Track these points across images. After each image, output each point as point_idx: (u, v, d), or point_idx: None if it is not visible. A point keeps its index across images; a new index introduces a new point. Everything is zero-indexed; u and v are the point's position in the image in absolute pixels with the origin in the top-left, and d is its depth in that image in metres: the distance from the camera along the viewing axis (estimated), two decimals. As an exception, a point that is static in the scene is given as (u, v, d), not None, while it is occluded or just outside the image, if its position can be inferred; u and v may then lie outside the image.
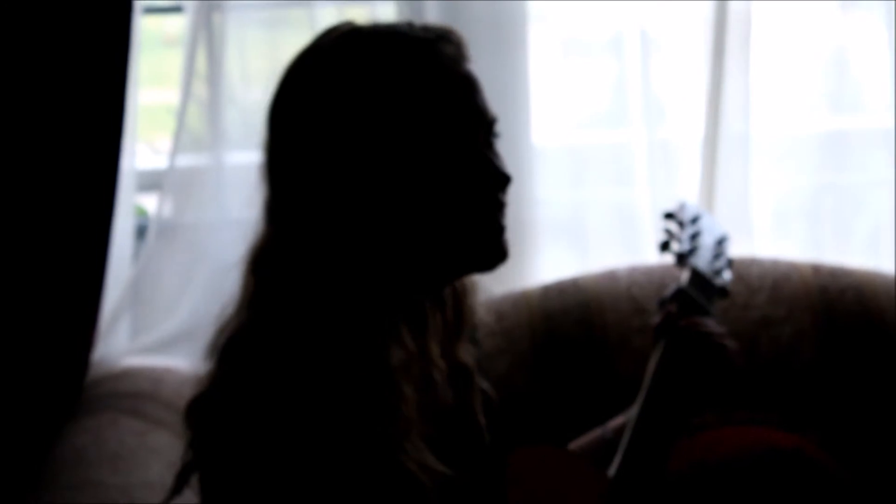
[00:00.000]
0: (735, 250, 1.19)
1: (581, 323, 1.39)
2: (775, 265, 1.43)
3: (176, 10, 1.47)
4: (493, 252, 0.78)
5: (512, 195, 0.79)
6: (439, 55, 0.77)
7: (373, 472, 0.75)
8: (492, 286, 1.24)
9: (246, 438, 0.74)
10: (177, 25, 1.50)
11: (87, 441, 1.22)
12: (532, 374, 1.36)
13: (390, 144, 0.75)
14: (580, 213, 1.57)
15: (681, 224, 1.12)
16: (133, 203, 1.44)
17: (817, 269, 1.42)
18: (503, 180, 0.76)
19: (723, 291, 1.06)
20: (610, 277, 1.40)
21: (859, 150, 1.57)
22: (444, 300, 0.85)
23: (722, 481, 1.29)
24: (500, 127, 0.78)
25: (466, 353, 0.88)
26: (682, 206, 1.15)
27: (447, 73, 0.77)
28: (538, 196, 1.52)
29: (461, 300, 0.87)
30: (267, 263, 0.76)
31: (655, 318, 1.02)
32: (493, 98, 0.76)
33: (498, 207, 0.78)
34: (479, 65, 0.77)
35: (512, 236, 0.79)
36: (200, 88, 1.40)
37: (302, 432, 0.73)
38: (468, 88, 0.77)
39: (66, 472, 1.20)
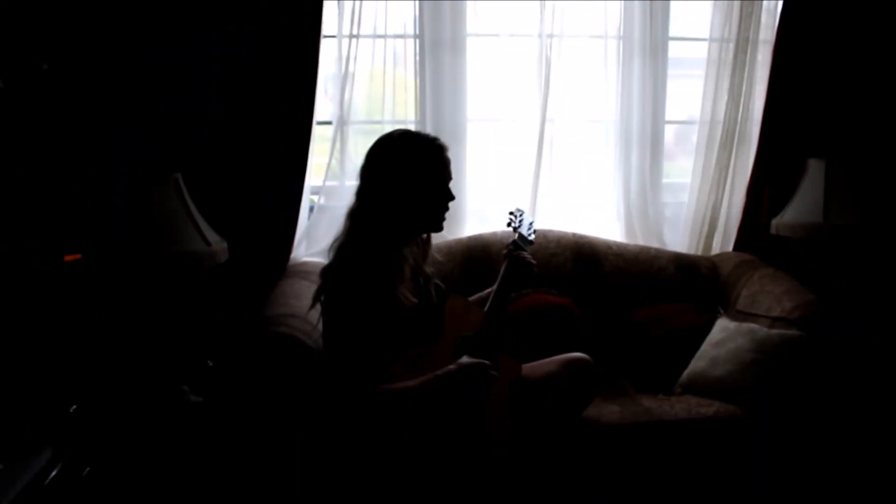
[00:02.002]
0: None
1: (482, 250, 3.06)
2: (551, 233, 3.16)
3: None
4: (440, 224, 2.33)
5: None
6: (439, 149, 2.24)
7: (385, 299, 2.13)
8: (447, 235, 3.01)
9: (339, 284, 2.14)
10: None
11: (286, 288, 2.78)
12: (462, 273, 3.01)
13: (412, 183, 2.18)
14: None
15: (514, 215, 2.62)
16: (309, 197, 3.23)
17: (573, 234, 3.18)
18: (451, 198, 2.27)
19: (531, 243, 2.53)
20: (492, 235, 3.13)
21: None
22: (420, 242, 2.36)
23: (527, 317, 2.78)
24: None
25: (428, 267, 2.37)
26: (517, 208, 2.74)
27: (440, 157, 2.24)
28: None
29: (427, 243, 2.37)
30: (352, 224, 2.20)
31: (504, 251, 2.43)
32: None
33: (446, 208, 2.28)
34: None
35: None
36: (336, 152, 3.20)
37: (360, 283, 2.10)
38: (446, 165, 2.24)
39: (278, 300, 2.66)
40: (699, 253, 3.36)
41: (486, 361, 2.21)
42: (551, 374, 2.39)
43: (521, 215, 2.64)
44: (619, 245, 3.21)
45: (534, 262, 2.42)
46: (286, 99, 2.92)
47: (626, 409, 2.59)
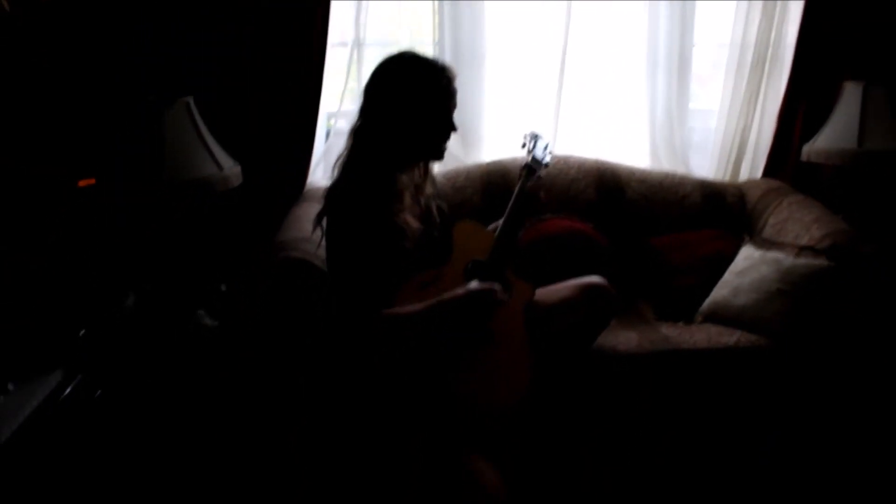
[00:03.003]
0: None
1: (501, 176, 2.99)
2: (572, 158, 3.09)
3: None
4: (440, 153, 2.24)
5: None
6: (447, 75, 2.14)
7: (385, 222, 2.07)
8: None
9: (339, 205, 2.08)
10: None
11: (300, 213, 2.73)
12: (480, 199, 2.96)
13: (412, 109, 2.09)
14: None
15: (529, 137, 2.50)
16: (325, 121, 3.18)
17: (595, 160, 3.10)
18: (453, 129, 2.18)
19: (545, 165, 2.43)
20: (512, 160, 3.03)
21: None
22: (425, 165, 2.26)
23: (548, 242, 2.75)
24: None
25: (431, 184, 2.30)
26: (532, 131, 2.54)
27: (445, 86, 2.13)
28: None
29: (428, 167, 2.27)
30: (354, 142, 2.13)
31: (519, 171, 2.40)
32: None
33: (447, 137, 2.19)
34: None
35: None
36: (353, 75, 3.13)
37: (359, 204, 2.04)
38: (451, 94, 2.15)
39: (292, 224, 2.64)
40: (727, 180, 3.25)
41: (495, 285, 2.16)
42: (566, 299, 2.34)
43: (535, 138, 2.56)
44: (642, 171, 3.12)
45: (545, 187, 2.35)
46: (300, 18, 2.84)
47: (644, 336, 2.54)
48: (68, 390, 1.88)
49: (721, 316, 2.63)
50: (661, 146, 3.23)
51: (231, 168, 2.67)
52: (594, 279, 2.38)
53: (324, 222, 2.16)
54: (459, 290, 2.13)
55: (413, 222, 2.18)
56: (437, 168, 2.97)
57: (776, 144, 3.15)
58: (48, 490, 1.76)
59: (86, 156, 2.69)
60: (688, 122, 3.25)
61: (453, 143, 3.18)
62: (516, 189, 2.35)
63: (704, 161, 3.30)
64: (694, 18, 3.15)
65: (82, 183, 2.63)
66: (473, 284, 2.15)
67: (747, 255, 2.72)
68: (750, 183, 3.19)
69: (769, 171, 3.20)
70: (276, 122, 2.93)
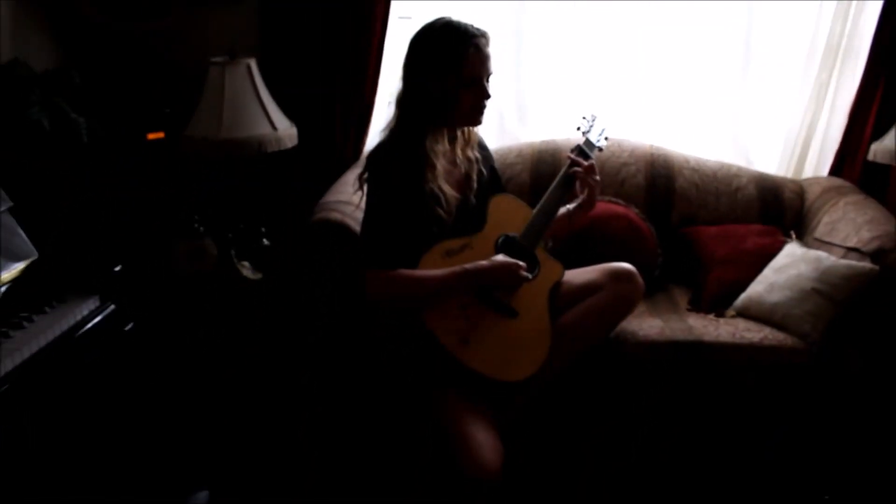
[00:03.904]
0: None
1: (553, 155, 2.99)
2: (626, 143, 3.05)
3: None
4: (477, 119, 2.23)
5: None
6: (476, 41, 2.12)
7: (414, 186, 2.10)
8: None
9: (373, 168, 2.17)
10: None
11: (351, 176, 2.83)
12: (530, 176, 2.97)
13: (442, 76, 2.11)
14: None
15: (587, 119, 2.55)
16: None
17: (650, 146, 3.05)
18: (486, 96, 2.18)
19: (599, 149, 2.50)
20: (566, 140, 3.02)
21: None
22: (463, 132, 2.28)
23: (588, 225, 2.67)
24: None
25: (472, 151, 2.29)
26: (591, 113, 2.60)
27: (476, 52, 2.12)
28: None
29: (470, 132, 2.29)
30: (396, 110, 2.18)
31: (568, 154, 2.42)
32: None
33: (483, 106, 2.20)
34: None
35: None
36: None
37: (390, 168, 2.12)
38: (483, 60, 2.14)
39: (340, 187, 2.68)
40: (789, 176, 3.14)
41: (520, 262, 2.20)
42: (591, 282, 2.35)
43: (592, 120, 2.57)
44: (697, 160, 3.06)
45: (586, 167, 2.35)
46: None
47: (668, 325, 2.52)
48: (101, 316, 2.05)
49: (753, 312, 2.57)
50: (723, 136, 3.14)
51: (286, 129, 2.80)
52: (622, 265, 2.38)
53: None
54: (483, 262, 2.18)
55: (448, 189, 2.21)
56: (491, 144, 3.05)
57: (845, 141, 3.02)
58: (70, 409, 1.94)
59: (158, 112, 2.89)
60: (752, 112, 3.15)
61: (512, 119, 3.26)
62: (563, 169, 2.38)
63: (767, 156, 3.19)
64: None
65: (151, 136, 2.85)
66: (499, 258, 2.20)
67: (789, 252, 2.64)
68: (812, 180, 3.08)
69: (836, 169, 3.07)
70: (338, 87, 3.03)
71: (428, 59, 2.17)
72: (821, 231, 2.76)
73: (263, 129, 2.72)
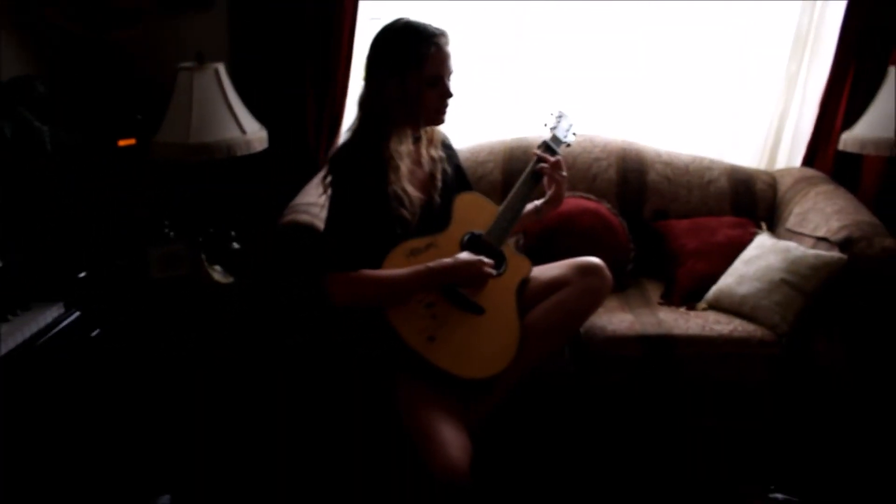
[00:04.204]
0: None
1: (524, 152, 2.96)
2: (598, 138, 3.04)
3: None
4: (439, 119, 2.21)
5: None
6: (436, 40, 2.11)
7: (375, 187, 2.10)
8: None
9: (334, 169, 2.16)
10: None
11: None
12: (501, 173, 2.97)
13: (414, 72, 2.10)
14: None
15: (554, 115, 2.51)
16: None
17: (622, 141, 3.03)
18: (449, 94, 2.17)
19: (566, 144, 2.47)
20: (538, 137, 2.94)
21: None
22: (426, 132, 2.26)
23: (558, 220, 2.72)
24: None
25: (435, 151, 2.27)
26: (558, 109, 2.55)
27: (437, 51, 2.11)
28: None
29: (433, 131, 2.27)
30: (359, 111, 2.17)
31: (534, 150, 2.39)
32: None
33: (445, 105, 2.18)
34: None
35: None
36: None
37: (352, 169, 2.12)
38: (444, 59, 2.12)
39: (311, 189, 2.97)
40: (763, 168, 3.14)
41: (484, 258, 2.20)
42: (559, 277, 2.34)
43: (560, 116, 2.57)
44: (669, 154, 3.06)
45: (552, 163, 2.34)
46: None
47: (638, 319, 2.52)
48: (67, 322, 2.06)
49: (724, 304, 2.57)
50: (698, 131, 3.16)
51: (256, 133, 2.81)
52: (589, 259, 2.36)
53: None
54: (447, 260, 2.17)
55: (412, 190, 2.21)
56: (464, 143, 3.06)
57: (816, 132, 3.02)
58: (38, 410, 1.94)
59: (129, 119, 2.90)
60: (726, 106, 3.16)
61: (483, 117, 3.26)
62: (530, 166, 2.37)
63: (739, 148, 3.19)
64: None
65: (122, 142, 2.86)
66: (462, 255, 2.20)
67: (759, 243, 2.64)
68: (784, 171, 3.08)
69: (808, 159, 3.07)
70: (309, 90, 3.03)
71: (389, 59, 2.17)
72: (792, 222, 2.76)
73: (232, 133, 2.73)
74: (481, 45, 3.19)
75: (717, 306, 2.58)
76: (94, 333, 2.17)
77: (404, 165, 2.20)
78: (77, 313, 2.11)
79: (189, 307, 2.60)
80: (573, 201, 2.87)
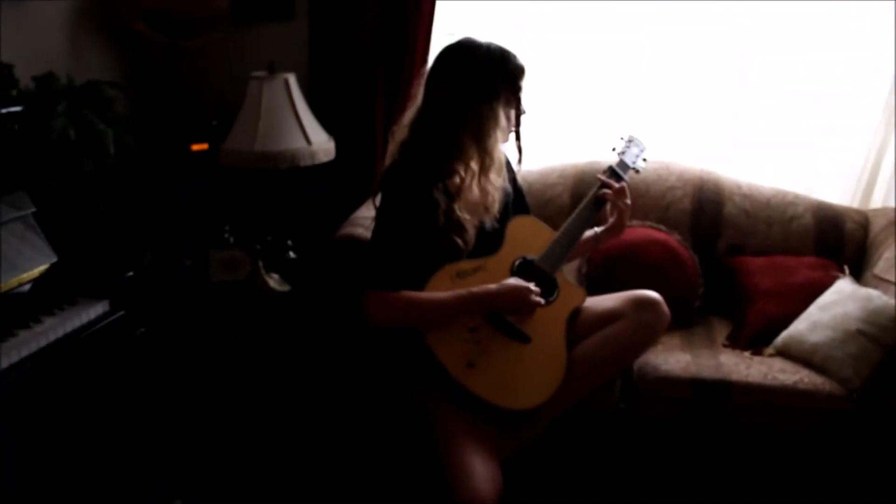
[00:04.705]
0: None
1: (593, 174, 2.75)
2: (675, 165, 2.89)
3: None
4: (507, 139, 2.19)
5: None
6: (498, 61, 2.08)
7: (426, 206, 2.02)
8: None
9: (386, 188, 2.11)
10: None
11: None
12: (570, 198, 2.83)
13: (500, 99, 2.09)
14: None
15: (624, 139, 2.44)
16: None
17: (700, 170, 2.87)
18: (524, 111, 2.17)
19: (636, 171, 2.41)
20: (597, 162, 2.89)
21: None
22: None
23: (624, 250, 2.59)
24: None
25: (498, 174, 2.13)
26: (629, 135, 2.47)
27: (511, 62, 2.12)
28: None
29: (500, 155, 2.17)
30: (419, 133, 2.11)
31: (599, 176, 2.32)
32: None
33: (514, 128, 2.19)
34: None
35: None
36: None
37: (409, 193, 2.04)
38: (507, 77, 2.09)
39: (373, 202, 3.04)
40: (855, 206, 2.91)
41: (532, 285, 2.12)
42: (612, 310, 2.24)
43: (630, 141, 2.47)
44: (750, 186, 2.87)
45: (616, 190, 2.25)
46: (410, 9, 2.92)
47: (696, 360, 2.37)
48: (111, 319, 2.11)
49: (793, 352, 2.38)
50: (785, 164, 2.97)
51: (322, 144, 2.81)
52: (645, 292, 2.25)
53: None
54: (491, 286, 2.11)
55: (469, 217, 2.13)
56: (535, 165, 2.97)
57: (918, 169, 2.77)
58: (67, 409, 1.99)
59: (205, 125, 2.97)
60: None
61: (565, 140, 3.16)
62: (593, 190, 2.29)
63: (830, 183, 2.98)
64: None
65: (195, 147, 2.93)
66: (509, 282, 2.13)
67: (839, 288, 2.44)
68: (879, 211, 2.84)
69: (909, 200, 2.82)
70: (380, 104, 3.03)
71: (451, 79, 2.12)
72: (881, 267, 2.54)
73: (298, 143, 2.74)
74: (559, 65, 3.12)
75: (786, 353, 2.40)
76: (139, 332, 2.20)
77: (469, 192, 2.13)
78: (121, 312, 2.14)
79: (243, 312, 2.62)
80: (642, 231, 2.75)
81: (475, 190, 2.14)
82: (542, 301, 2.15)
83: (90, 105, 2.25)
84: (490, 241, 2.19)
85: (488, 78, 2.11)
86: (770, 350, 2.43)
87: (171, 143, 2.87)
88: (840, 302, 2.36)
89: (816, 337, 2.33)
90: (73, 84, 2.28)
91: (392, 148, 2.25)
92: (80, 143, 2.20)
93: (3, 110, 2.13)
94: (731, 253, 2.75)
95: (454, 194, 2.11)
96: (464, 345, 2.07)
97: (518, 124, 2.20)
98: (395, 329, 2.15)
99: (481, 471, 1.95)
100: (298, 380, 2.54)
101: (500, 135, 2.14)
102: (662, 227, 2.80)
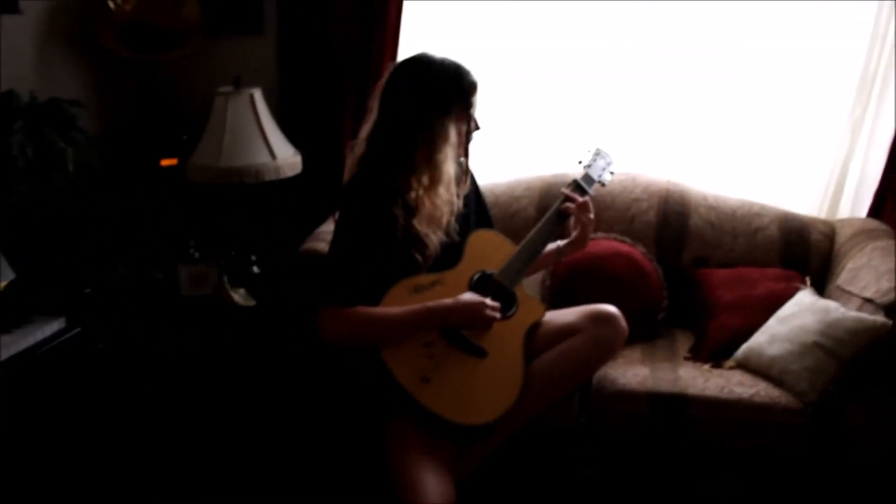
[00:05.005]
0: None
1: (559, 188, 2.75)
2: (642, 177, 2.88)
3: None
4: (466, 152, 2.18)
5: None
6: (451, 75, 2.08)
7: (381, 221, 2.02)
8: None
9: (343, 201, 2.14)
10: None
11: None
12: (536, 211, 2.80)
13: (453, 111, 2.08)
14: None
15: (590, 152, 2.42)
16: None
17: (667, 181, 2.86)
18: (477, 128, 2.17)
19: (602, 184, 2.37)
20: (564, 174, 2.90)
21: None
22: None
23: (587, 263, 2.58)
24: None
25: (458, 187, 2.14)
26: (596, 147, 2.45)
27: (465, 78, 2.12)
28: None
29: (467, 167, 2.23)
30: (375, 146, 2.12)
31: (563, 189, 2.30)
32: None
33: (470, 140, 2.17)
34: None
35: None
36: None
37: (365, 206, 2.05)
38: (472, 88, 2.12)
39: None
40: (822, 217, 2.90)
41: (488, 300, 2.12)
42: (569, 324, 2.23)
43: (596, 153, 2.45)
44: (717, 197, 2.86)
45: (579, 203, 2.25)
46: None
47: (654, 374, 2.37)
48: (68, 336, 2.14)
49: (752, 364, 2.38)
50: (754, 175, 2.97)
51: (288, 159, 2.82)
52: (603, 307, 2.25)
53: None
54: (447, 300, 2.11)
55: (427, 229, 2.14)
56: (502, 178, 2.98)
57: (884, 180, 2.76)
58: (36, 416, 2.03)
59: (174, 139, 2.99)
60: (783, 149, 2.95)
61: (522, 152, 3.16)
62: (555, 205, 2.28)
63: (797, 194, 2.97)
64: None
65: (165, 162, 2.95)
66: (465, 296, 2.13)
67: (798, 300, 2.43)
68: (845, 221, 2.83)
69: (874, 210, 2.81)
70: (348, 120, 3.04)
71: (426, 98, 2.12)
72: (843, 278, 2.53)
73: (262, 158, 2.76)
74: (528, 75, 3.11)
75: (746, 366, 2.39)
76: (97, 348, 2.22)
77: (422, 206, 2.13)
78: (78, 329, 2.16)
79: (207, 326, 2.64)
80: (606, 243, 2.74)
81: (427, 204, 2.14)
82: (499, 315, 2.14)
83: (51, 122, 2.27)
84: (449, 254, 2.19)
85: (441, 92, 2.12)
86: (730, 363, 2.42)
87: (140, 159, 2.88)
88: (798, 314, 2.35)
89: (774, 350, 2.32)
90: (35, 102, 2.30)
91: (350, 162, 2.26)
92: (39, 160, 2.22)
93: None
94: (696, 265, 2.75)
95: (413, 209, 2.11)
96: (418, 360, 2.07)
97: (468, 141, 2.19)
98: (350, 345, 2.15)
99: (433, 485, 1.95)
100: (267, 391, 2.54)
101: (449, 150, 2.13)
102: (627, 239, 2.79)
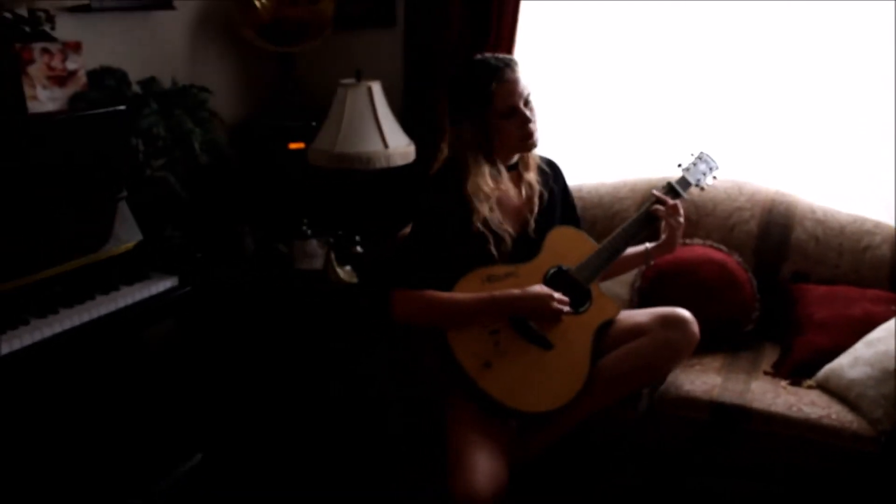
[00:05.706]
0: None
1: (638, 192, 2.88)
2: (748, 186, 2.81)
3: None
4: (524, 145, 2.21)
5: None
6: (505, 70, 2.14)
7: (464, 227, 2.13)
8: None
9: (425, 200, 2.24)
10: None
11: None
12: (636, 210, 2.70)
13: (481, 107, 2.14)
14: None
15: (693, 156, 2.43)
16: None
17: (775, 191, 2.77)
18: (528, 121, 2.15)
19: (701, 189, 2.39)
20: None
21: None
22: (523, 159, 2.26)
23: (678, 268, 2.58)
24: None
25: (531, 177, 2.24)
26: (700, 151, 2.45)
27: (506, 78, 2.13)
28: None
29: (528, 157, 2.25)
30: (446, 153, 2.29)
31: (653, 191, 2.32)
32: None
33: (529, 131, 2.16)
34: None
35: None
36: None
37: (437, 207, 2.19)
38: (515, 84, 2.13)
39: None
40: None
41: (557, 294, 2.18)
42: (638, 325, 2.25)
43: (699, 158, 2.44)
44: (826, 211, 2.74)
45: (669, 206, 2.26)
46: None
47: (725, 384, 2.34)
48: (182, 292, 2.43)
49: (832, 386, 2.29)
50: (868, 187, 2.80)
51: (400, 148, 3.00)
52: (675, 310, 2.25)
53: None
54: (515, 291, 2.18)
55: (499, 220, 2.21)
56: (610, 178, 3.00)
57: None
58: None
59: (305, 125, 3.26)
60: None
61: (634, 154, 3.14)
62: (643, 207, 2.31)
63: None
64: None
65: (292, 145, 3.22)
66: (534, 288, 2.18)
67: (891, 325, 2.31)
68: (970, 244, 2.62)
69: None
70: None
71: (461, 100, 2.23)
72: (952, 305, 2.36)
73: (374, 147, 2.94)
74: (641, 78, 3.11)
75: (826, 387, 2.30)
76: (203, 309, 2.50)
77: (487, 204, 2.20)
78: (188, 287, 2.44)
79: (311, 298, 2.88)
80: (700, 250, 2.71)
81: (505, 192, 2.24)
82: (567, 309, 2.19)
83: (183, 105, 2.56)
84: (526, 246, 2.25)
85: (475, 85, 2.19)
86: (810, 382, 2.34)
87: (273, 142, 3.16)
88: (885, 339, 2.23)
89: (855, 373, 2.22)
90: (172, 88, 2.61)
91: (440, 155, 2.38)
92: (170, 139, 2.52)
93: (112, 109, 2.47)
94: (794, 280, 2.65)
95: (476, 208, 2.19)
96: (483, 345, 2.15)
97: (525, 136, 2.22)
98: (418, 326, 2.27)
99: (484, 467, 2.02)
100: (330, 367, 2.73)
101: (511, 134, 2.20)
102: (724, 247, 2.74)
